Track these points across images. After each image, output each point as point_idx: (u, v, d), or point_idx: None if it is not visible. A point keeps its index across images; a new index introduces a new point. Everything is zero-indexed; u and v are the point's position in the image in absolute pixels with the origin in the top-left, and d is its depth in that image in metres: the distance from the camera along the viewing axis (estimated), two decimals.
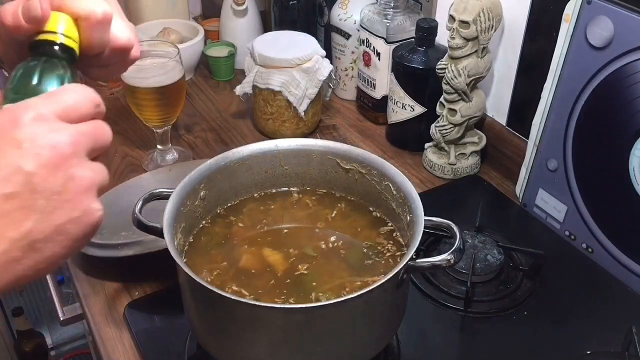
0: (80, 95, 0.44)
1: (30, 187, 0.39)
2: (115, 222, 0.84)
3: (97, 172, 0.43)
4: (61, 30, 0.49)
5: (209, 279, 0.67)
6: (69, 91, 0.44)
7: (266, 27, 1.33)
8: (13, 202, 0.39)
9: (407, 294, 0.68)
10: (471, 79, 0.95)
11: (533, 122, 0.91)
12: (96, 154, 0.45)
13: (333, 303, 0.57)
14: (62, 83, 0.48)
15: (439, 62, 0.98)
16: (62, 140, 0.41)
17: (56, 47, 0.49)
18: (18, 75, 0.48)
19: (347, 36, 1.16)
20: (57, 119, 0.42)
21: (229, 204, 0.76)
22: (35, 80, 0.47)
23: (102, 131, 0.45)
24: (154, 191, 0.68)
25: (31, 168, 0.39)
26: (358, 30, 1.13)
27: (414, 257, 0.60)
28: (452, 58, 0.95)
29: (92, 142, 0.43)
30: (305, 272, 0.68)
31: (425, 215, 0.63)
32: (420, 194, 0.66)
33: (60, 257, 0.42)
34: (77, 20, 0.50)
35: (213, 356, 0.66)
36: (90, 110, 0.44)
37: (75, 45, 0.50)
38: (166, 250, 0.60)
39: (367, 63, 1.12)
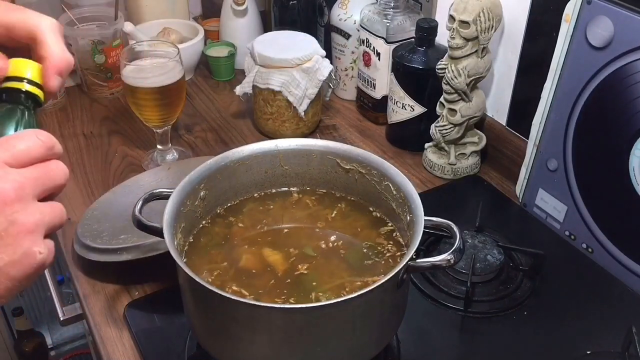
0: (31, 141, 0.46)
1: None
2: (113, 225, 0.84)
3: (46, 213, 0.45)
4: (28, 76, 0.52)
5: (209, 279, 0.67)
6: (20, 137, 0.46)
7: (266, 27, 1.33)
8: None
9: (407, 294, 0.68)
10: (471, 79, 0.95)
11: (533, 122, 0.91)
12: (48, 194, 0.47)
13: (333, 303, 0.57)
14: (21, 129, 0.50)
15: (439, 62, 0.98)
16: (5, 187, 0.43)
17: (21, 95, 0.51)
18: None
19: (347, 36, 1.17)
20: (5, 165, 0.44)
21: (229, 204, 0.76)
22: None
23: (53, 173, 0.47)
24: (154, 191, 0.68)
25: None
26: (358, 30, 1.13)
27: (414, 257, 0.60)
28: (452, 58, 0.95)
29: (41, 185, 0.46)
30: (305, 272, 0.68)
31: (425, 215, 0.63)
32: (420, 194, 0.66)
33: (1, 297, 0.44)
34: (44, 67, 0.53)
35: (213, 356, 0.66)
36: (40, 153, 0.46)
37: (40, 92, 0.52)
38: (165, 253, 0.60)
39: (367, 63, 1.12)
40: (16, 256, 0.43)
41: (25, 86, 0.52)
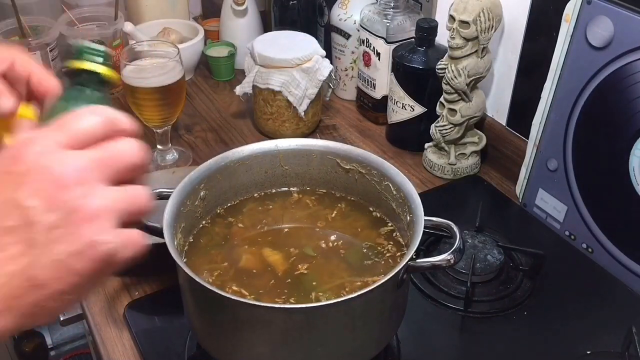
0: (88, 118, 0.42)
1: (28, 221, 0.38)
2: None
3: (116, 199, 0.40)
4: (99, 57, 0.50)
5: (209, 279, 0.67)
6: (77, 116, 0.42)
7: (266, 27, 1.33)
8: (11, 236, 0.38)
9: (407, 294, 0.68)
10: (471, 79, 0.95)
11: (533, 122, 0.91)
12: (122, 176, 0.42)
13: (333, 303, 0.57)
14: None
15: (439, 62, 0.97)
16: (63, 172, 0.39)
17: (89, 75, 0.50)
18: (51, 106, 0.49)
19: (347, 36, 1.16)
20: (64, 148, 0.40)
21: (229, 204, 0.76)
22: (62, 109, 0.47)
23: (121, 152, 0.42)
24: (154, 191, 0.68)
25: (30, 202, 0.38)
26: (358, 30, 1.13)
27: (414, 257, 0.60)
28: (452, 58, 0.95)
29: (107, 167, 0.41)
30: (305, 272, 0.68)
31: (425, 215, 0.63)
32: (420, 194, 0.66)
33: (68, 294, 0.39)
34: None
35: (213, 356, 0.66)
36: (101, 131, 0.42)
37: (110, 71, 0.51)
38: (165, 248, 0.60)
39: (367, 63, 1.12)
40: (77, 247, 0.38)
41: (94, 66, 0.50)
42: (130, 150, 0.42)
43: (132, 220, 0.42)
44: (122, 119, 0.43)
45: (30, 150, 0.40)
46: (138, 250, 0.42)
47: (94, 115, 0.42)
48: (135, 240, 0.42)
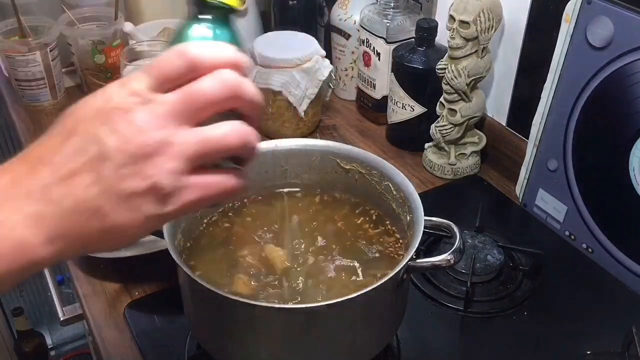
0: (173, 61, 0.43)
1: (102, 156, 0.41)
2: None
3: (185, 142, 0.42)
4: None
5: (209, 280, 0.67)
6: (164, 59, 0.43)
7: (266, 28, 1.33)
8: (86, 166, 0.41)
9: (407, 294, 0.68)
10: (471, 79, 0.95)
11: (533, 122, 0.91)
12: (202, 115, 0.43)
13: (333, 303, 0.57)
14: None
15: (439, 62, 0.98)
16: (143, 118, 0.41)
17: (214, 5, 0.49)
18: (176, 32, 0.49)
19: (347, 36, 1.16)
20: (150, 91, 0.42)
21: (229, 204, 0.76)
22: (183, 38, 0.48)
23: (197, 94, 0.42)
24: None
25: (107, 140, 0.41)
26: (358, 31, 1.13)
27: (414, 257, 0.60)
28: (452, 58, 0.95)
29: (186, 110, 0.42)
30: (306, 272, 0.67)
31: (425, 215, 0.63)
32: (420, 194, 0.66)
33: (129, 229, 0.42)
34: None
35: (213, 356, 0.66)
36: (183, 72, 0.43)
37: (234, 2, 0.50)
38: (165, 250, 0.60)
39: (367, 63, 1.12)
40: (142, 187, 0.41)
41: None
42: (208, 89, 0.43)
43: (215, 155, 0.43)
44: (206, 55, 0.43)
45: (120, 92, 0.43)
46: (219, 193, 0.44)
47: (178, 58, 0.43)
48: (211, 183, 0.43)
